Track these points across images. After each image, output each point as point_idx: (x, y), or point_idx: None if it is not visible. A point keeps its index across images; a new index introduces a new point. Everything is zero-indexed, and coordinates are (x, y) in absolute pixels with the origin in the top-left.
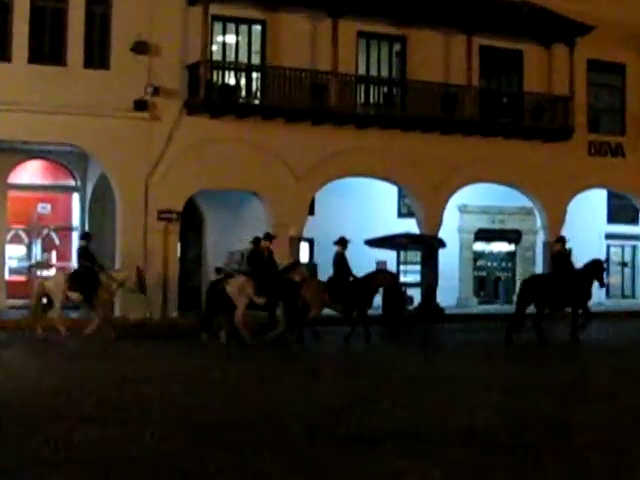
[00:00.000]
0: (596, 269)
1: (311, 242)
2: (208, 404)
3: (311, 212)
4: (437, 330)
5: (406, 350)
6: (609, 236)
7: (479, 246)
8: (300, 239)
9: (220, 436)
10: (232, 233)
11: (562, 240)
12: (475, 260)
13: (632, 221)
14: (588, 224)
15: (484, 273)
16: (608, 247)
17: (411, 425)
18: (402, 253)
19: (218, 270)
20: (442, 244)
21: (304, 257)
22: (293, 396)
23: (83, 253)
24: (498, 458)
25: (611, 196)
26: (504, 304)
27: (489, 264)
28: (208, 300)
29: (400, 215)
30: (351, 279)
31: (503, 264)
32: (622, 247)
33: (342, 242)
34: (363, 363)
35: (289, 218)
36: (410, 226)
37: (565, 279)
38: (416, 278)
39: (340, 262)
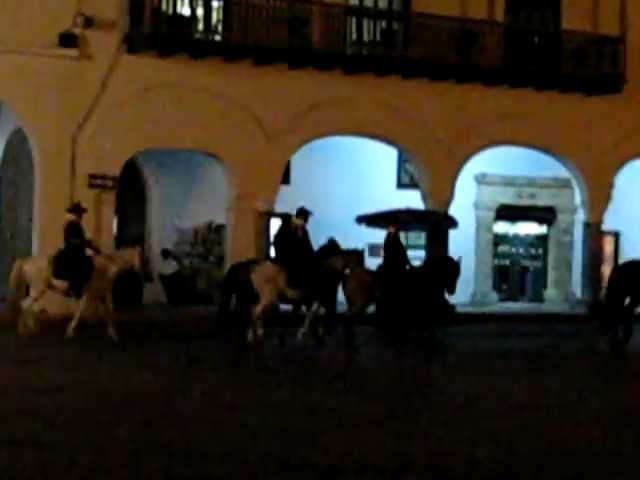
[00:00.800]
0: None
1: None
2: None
3: (286, 180)
4: (445, 334)
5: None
6: None
7: (501, 227)
8: (271, 214)
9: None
10: (184, 206)
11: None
12: (496, 245)
13: None
14: None
15: (507, 262)
16: None
17: (386, 455)
18: (402, 234)
19: (165, 253)
20: (453, 223)
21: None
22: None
23: (72, 229)
24: None
25: None
26: (532, 301)
27: (514, 250)
28: (226, 289)
29: (400, 186)
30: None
31: (532, 250)
32: None
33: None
34: (363, 375)
35: (257, 188)
36: (413, 200)
37: None
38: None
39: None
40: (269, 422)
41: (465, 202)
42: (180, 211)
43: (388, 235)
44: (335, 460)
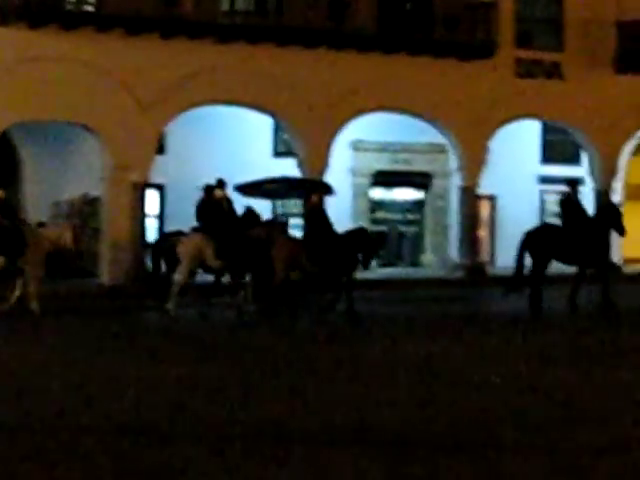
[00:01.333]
0: (612, 215)
1: (161, 188)
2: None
3: (160, 151)
4: (323, 301)
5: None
6: (544, 180)
7: (378, 193)
8: (146, 185)
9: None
10: (58, 179)
11: (574, 184)
12: (373, 211)
13: (572, 161)
14: (517, 165)
15: (384, 227)
16: (542, 194)
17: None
18: (279, 202)
19: (41, 226)
20: (329, 190)
21: (153, 208)
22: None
23: (2, 206)
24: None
25: (546, 129)
26: (409, 266)
27: (391, 216)
28: (155, 260)
29: (276, 154)
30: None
31: (409, 216)
32: (560, 194)
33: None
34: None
35: (132, 159)
36: (289, 168)
37: (580, 230)
38: (298, 234)
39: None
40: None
41: (341, 169)
42: (55, 184)
43: (309, 204)
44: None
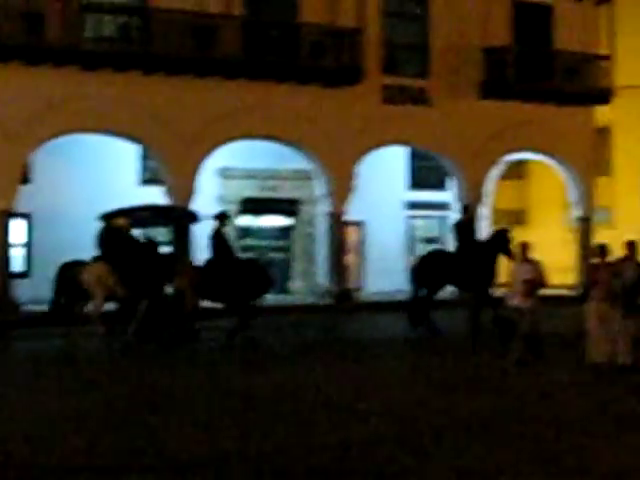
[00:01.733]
0: (501, 240)
1: (28, 217)
2: None
3: (26, 180)
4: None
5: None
6: (411, 205)
7: (246, 220)
8: (10, 214)
9: None
10: None
11: (467, 209)
12: (241, 238)
13: (438, 186)
14: (384, 191)
15: (252, 255)
16: (410, 219)
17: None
18: (144, 231)
19: None
20: (193, 218)
21: (19, 237)
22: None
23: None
24: None
25: (413, 155)
26: (279, 293)
27: (259, 243)
28: (57, 289)
29: (143, 182)
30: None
31: (277, 242)
32: (427, 218)
33: (221, 217)
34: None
35: None
36: (157, 196)
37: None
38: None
39: (219, 240)
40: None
41: (209, 196)
42: None
43: (214, 230)
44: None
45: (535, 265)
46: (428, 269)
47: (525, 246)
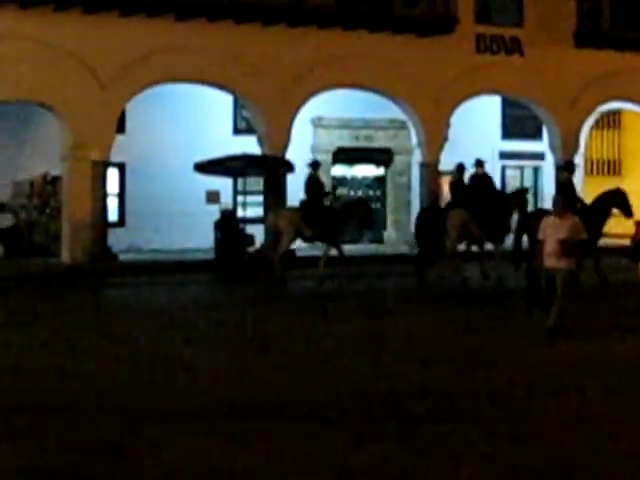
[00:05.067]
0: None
1: (122, 167)
2: None
3: (121, 129)
4: (291, 278)
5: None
6: (504, 155)
7: (339, 170)
8: (107, 164)
9: None
10: (17, 158)
11: (317, 166)
12: (334, 188)
13: (533, 136)
14: (477, 141)
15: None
16: (504, 169)
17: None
18: (240, 180)
19: (1, 206)
20: (289, 167)
21: (113, 187)
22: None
23: None
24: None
25: (506, 105)
26: (372, 242)
27: (352, 193)
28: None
29: (237, 132)
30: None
31: (370, 192)
32: (521, 169)
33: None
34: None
35: (92, 137)
36: (250, 145)
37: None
38: (259, 212)
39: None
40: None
41: (302, 146)
42: (15, 163)
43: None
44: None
45: (572, 221)
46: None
47: (560, 200)
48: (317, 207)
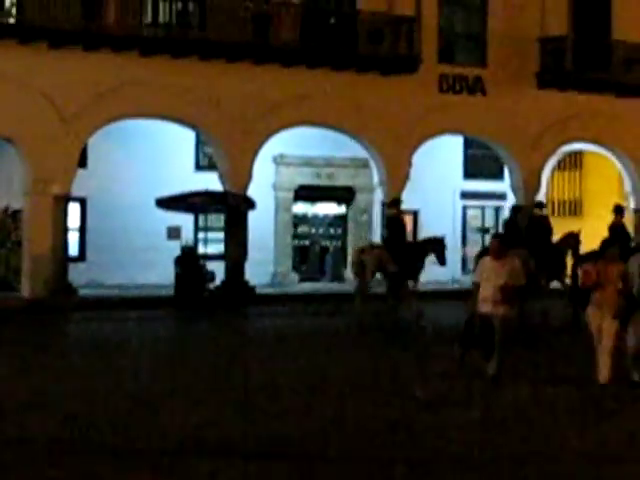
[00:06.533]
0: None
1: (83, 202)
2: None
3: (82, 164)
4: (245, 314)
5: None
6: (466, 195)
7: (301, 207)
8: (68, 198)
9: None
10: None
11: (397, 203)
12: (295, 226)
13: (494, 176)
14: (439, 180)
15: (306, 242)
16: (465, 209)
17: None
18: (201, 217)
19: None
20: (251, 205)
21: (74, 221)
22: None
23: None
24: None
25: (468, 144)
26: (333, 281)
27: (313, 231)
28: None
29: (199, 168)
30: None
31: (331, 230)
32: (482, 209)
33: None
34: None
35: (54, 172)
36: (212, 182)
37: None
38: (219, 249)
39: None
40: None
41: (264, 183)
42: None
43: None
44: None
45: (511, 266)
46: None
47: (496, 242)
48: (400, 244)
